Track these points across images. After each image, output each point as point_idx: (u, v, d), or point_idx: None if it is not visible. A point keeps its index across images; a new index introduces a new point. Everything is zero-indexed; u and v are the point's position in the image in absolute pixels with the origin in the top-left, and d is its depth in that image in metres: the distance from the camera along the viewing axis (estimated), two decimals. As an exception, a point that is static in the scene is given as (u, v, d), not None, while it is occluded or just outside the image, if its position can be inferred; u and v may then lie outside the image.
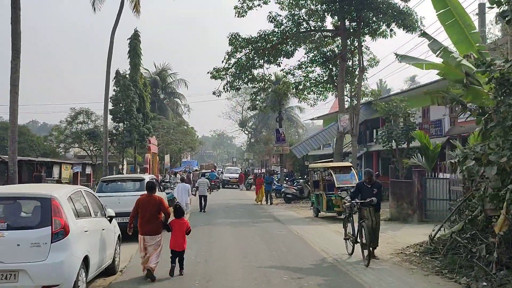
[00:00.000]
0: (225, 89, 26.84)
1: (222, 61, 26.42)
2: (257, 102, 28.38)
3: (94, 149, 35.48)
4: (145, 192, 9.35)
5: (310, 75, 28.61)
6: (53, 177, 22.39)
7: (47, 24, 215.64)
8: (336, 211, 16.99)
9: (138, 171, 42.46)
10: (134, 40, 37.49)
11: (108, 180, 13.67)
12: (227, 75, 26.74)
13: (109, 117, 34.98)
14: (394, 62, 26.31)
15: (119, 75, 35.09)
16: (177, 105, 57.98)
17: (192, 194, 23.34)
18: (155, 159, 43.59)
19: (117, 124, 35.19)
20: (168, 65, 57.68)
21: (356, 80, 26.89)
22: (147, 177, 13.64)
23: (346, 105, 26.83)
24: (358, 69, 26.19)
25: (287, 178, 36.83)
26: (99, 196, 13.05)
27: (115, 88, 34.95)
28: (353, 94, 26.27)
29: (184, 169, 51.88)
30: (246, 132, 77.14)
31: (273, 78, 29.23)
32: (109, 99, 34.59)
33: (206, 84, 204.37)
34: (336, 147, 26.56)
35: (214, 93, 27.02)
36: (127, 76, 36.66)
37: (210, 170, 45.75)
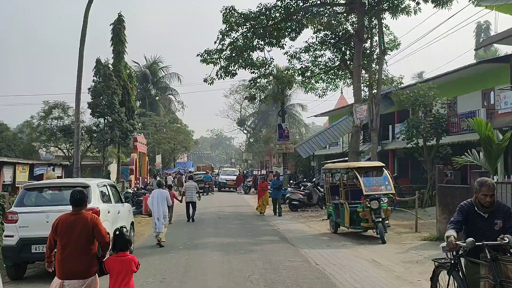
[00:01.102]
0: (219, 76, 22.46)
1: (215, 42, 22.09)
2: (256, 91, 23.91)
3: (71, 148, 31.16)
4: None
5: (319, 59, 24.25)
6: (3, 181, 18.08)
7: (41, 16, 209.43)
8: (364, 227, 12.61)
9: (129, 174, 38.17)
10: (118, 25, 33.17)
11: (33, 188, 9.20)
12: (220, 59, 22.39)
13: (88, 111, 30.83)
14: (399, 54, 21.96)
15: (100, 64, 30.78)
16: (169, 101, 53.40)
17: (178, 200, 19.31)
18: (144, 159, 39.16)
19: (97, 119, 30.89)
20: (160, 58, 53.16)
21: (374, 65, 22.61)
22: (93, 182, 9.23)
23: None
24: (377, 51, 21.91)
25: (291, 181, 32.50)
26: (17, 212, 8.84)
27: (95, 78, 30.66)
28: (372, 80, 21.93)
29: (177, 171, 47.56)
30: (245, 131, 72.84)
31: (272, 68, 24.53)
32: (88, 91, 30.42)
33: (202, 79, 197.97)
34: (352, 144, 22.20)
35: (205, 80, 22.64)
36: (110, 65, 32.36)
37: (204, 172, 41.38)
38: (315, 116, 44.71)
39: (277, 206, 19.94)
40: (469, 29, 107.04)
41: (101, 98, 29.74)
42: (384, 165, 13.04)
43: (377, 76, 21.53)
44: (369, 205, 12.14)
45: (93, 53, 45.90)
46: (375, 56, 22.43)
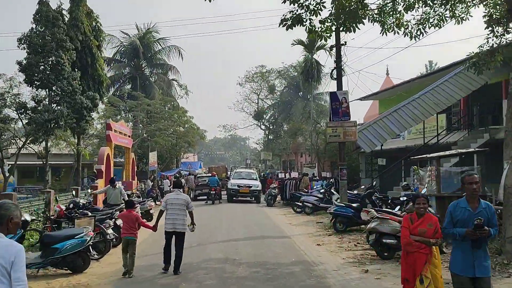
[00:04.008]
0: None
1: None
2: (303, 11, 11.95)
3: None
4: None
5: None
6: None
7: None
8: None
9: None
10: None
11: None
12: None
13: (21, 77, 19.57)
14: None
15: (45, 6, 19.56)
16: (168, 84, 41.81)
17: (148, 227, 9.72)
18: (128, 157, 27.86)
19: (36, 90, 19.56)
20: (155, 27, 41.08)
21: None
22: None
23: None
24: None
25: (333, 188, 20.76)
26: None
27: (35, 27, 19.47)
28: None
29: (175, 173, 36.15)
30: (263, 127, 61.34)
31: None
32: (18, 43, 19.20)
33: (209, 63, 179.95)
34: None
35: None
36: (65, 12, 21.18)
37: (210, 174, 29.94)
38: (361, 99, 32.83)
39: None
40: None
41: (41, 55, 18.50)
42: None
43: None
44: None
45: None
46: None
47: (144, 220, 11.01)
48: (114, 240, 12.01)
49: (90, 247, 9.75)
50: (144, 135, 34.39)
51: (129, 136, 27.74)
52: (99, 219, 11.78)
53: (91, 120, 20.24)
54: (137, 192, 23.10)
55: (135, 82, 38.31)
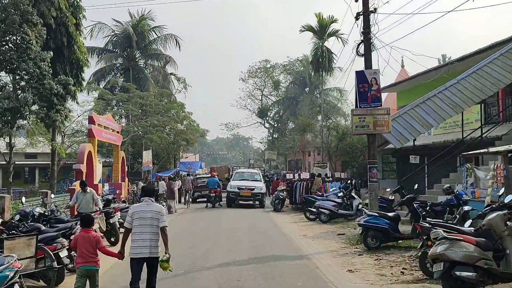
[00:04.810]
0: None
1: None
2: None
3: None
4: None
5: None
6: None
7: None
8: None
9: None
10: None
11: None
12: None
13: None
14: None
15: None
16: (164, 76, 38.36)
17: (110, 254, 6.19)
18: (117, 155, 24.62)
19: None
20: (151, 14, 37.43)
21: None
22: None
23: None
24: None
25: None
26: None
27: (-2, -1, 16.20)
28: None
29: (174, 173, 32.85)
30: (267, 125, 58.02)
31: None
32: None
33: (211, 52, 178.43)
34: None
35: None
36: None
37: (209, 175, 26.71)
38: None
39: None
40: None
41: (1, 30, 15.28)
42: None
43: None
44: None
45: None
46: None
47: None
48: (71, 265, 8.80)
49: (16, 285, 6.46)
50: (140, 132, 31.18)
51: (117, 132, 24.51)
52: (47, 238, 8.49)
53: (64, 109, 16.93)
54: (122, 196, 19.80)
55: (128, 74, 35.03)
